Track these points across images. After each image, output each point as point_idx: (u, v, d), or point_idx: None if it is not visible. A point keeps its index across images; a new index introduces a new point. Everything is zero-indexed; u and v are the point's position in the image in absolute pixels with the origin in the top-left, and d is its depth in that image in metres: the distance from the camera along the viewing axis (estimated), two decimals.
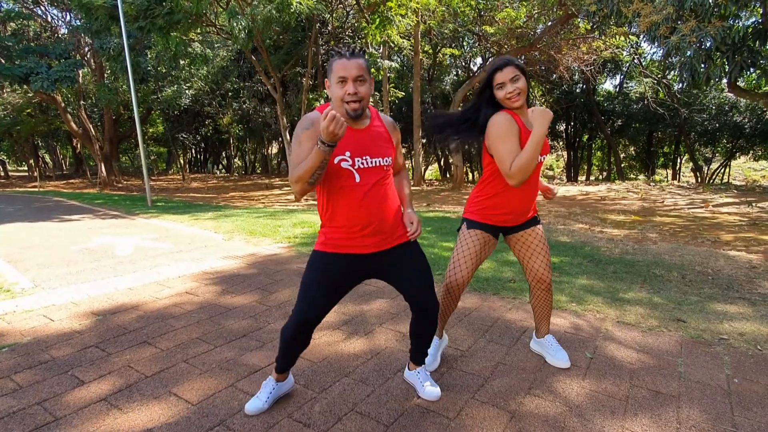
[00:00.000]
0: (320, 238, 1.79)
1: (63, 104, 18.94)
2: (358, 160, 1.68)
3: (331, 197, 1.72)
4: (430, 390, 1.99)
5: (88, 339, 2.67)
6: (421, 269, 1.84)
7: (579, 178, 23.94)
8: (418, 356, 2.06)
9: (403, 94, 17.61)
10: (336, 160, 1.66)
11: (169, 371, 2.27)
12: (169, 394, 2.07)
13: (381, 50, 15.41)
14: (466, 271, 2.10)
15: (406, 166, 1.98)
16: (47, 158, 35.55)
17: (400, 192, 1.97)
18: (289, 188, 16.46)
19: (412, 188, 15.22)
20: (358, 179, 1.69)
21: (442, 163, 24.73)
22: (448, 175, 23.52)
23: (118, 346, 2.57)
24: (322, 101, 14.69)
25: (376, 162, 1.71)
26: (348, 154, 1.67)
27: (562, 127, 24.18)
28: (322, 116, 1.47)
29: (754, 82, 15.31)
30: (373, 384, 2.13)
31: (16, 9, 16.98)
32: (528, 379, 2.17)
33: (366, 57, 1.65)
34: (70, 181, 23.74)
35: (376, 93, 16.95)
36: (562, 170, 27.39)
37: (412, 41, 14.94)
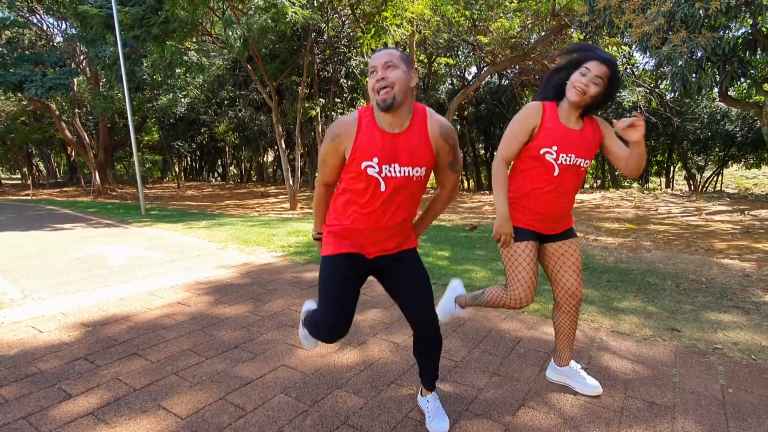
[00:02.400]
0: (326, 238, 1.76)
1: (57, 112, 18.90)
2: (386, 168, 1.57)
3: (349, 200, 1.67)
4: (436, 424, 1.83)
5: (76, 351, 2.63)
6: (421, 287, 1.75)
7: None
8: (426, 379, 1.91)
9: None
10: (363, 166, 1.57)
11: (158, 384, 2.24)
12: (158, 407, 2.03)
13: None
14: (533, 291, 1.95)
15: (457, 188, 1.85)
16: (41, 166, 35.36)
17: (425, 213, 1.91)
18: (284, 196, 16.43)
19: None
20: (383, 188, 1.60)
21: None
22: None
23: (107, 358, 2.53)
24: (318, 110, 14.72)
25: (405, 171, 1.59)
26: (376, 160, 1.56)
27: None
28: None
29: (744, 91, 15.51)
30: (366, 396, 2.10)
31: (12, 17, 16.98)
32: (522, 390, 2.15)
33: (403, 52, 1.57)
34: (64, 189, 23.60)
35: None
36: None
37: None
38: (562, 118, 1.88)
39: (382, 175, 1.58)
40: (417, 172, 1.61)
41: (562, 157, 1.85)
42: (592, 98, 1.81)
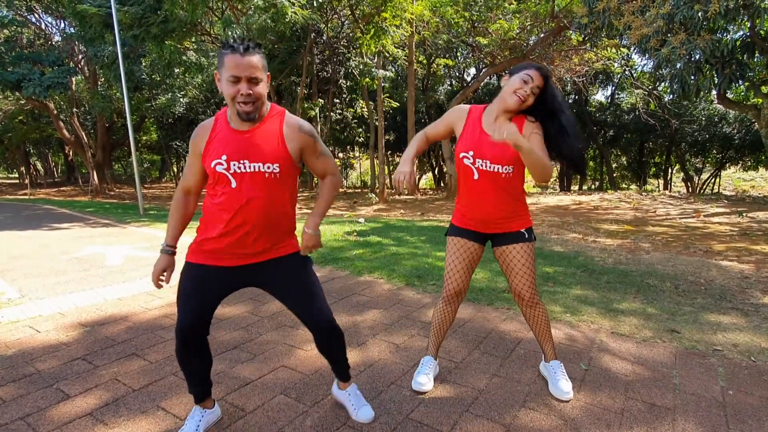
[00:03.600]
0: (191, 245, 1.69)
1: (55, 111, 18.85)
2: (234, 164, 1.54)
3: (207, 204, 1.64)
4: (362, 413, 1.88)
5: (74, 351, 2.62)
6: (300, 282, 1.70)
7: (572, 188, 24.11)
8: (337, 371, 1.93)
9: (398, 104, 17.70)
10: (212, 164, 1.56)
11: (157, 384, 2.22)
12: (157, 408, 2.02)
13: (376, 60, 15.51)
14: (458, 280, 2.07)
15: (337, 171, 1.82)
16: (38, 165, 35.24)
17: (317, 202, 1.82)
18: None
19: (408, 197, 15.23)
20: (234, 185, 1.56)
21: (436, 172, 24.81)
22: (442, 184, 23.58)
23: (105, 359, 2.51)
24: (317, 111, 14.70)
25: (255, 167, 1.55)
26: (224, 157, 1.54)
27: None
28: (154, 269, 1.65)
29: (742, 94, 15.57)
30: (366, 397, 2.09)
31: (10, 16, 16.93)
32: (523, 391, 2.15)
33: (262, 51, 1.53)
34: (62, 188, 23.53)
35: (371, 102, 17.03)
36: (555, 179, 27.55)
37: (407, 51, 15.04)
38: (485, 124, 1.94)
39: (231, 171, 1.56)
40: (269, 168, 1.58)
41: (479, 162, 1.92)
42: (524, 107, 1.88)
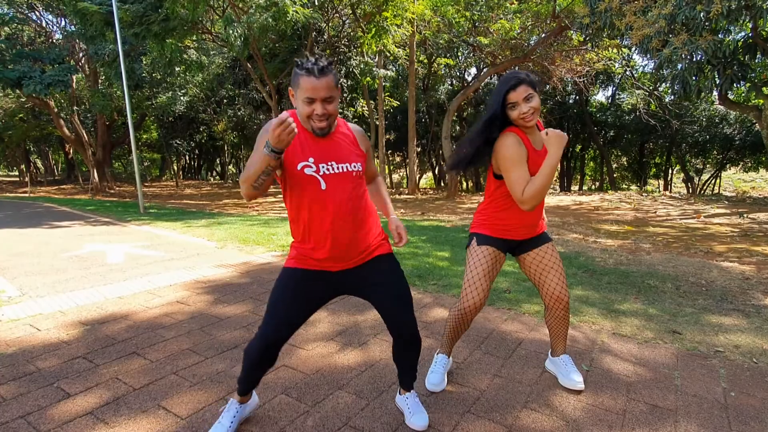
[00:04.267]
0: (291, 252, 1.72)
1: (56, 109, 18.83)
2: (323, 166, 1.59)
3: (301, 210, 1.63)
4: (417, 419, 1.85)
5: (75, 350, 2.61)
6: (396, 288, 1.73)
7: (572, 188, 24.11)
8: (405, 380, 1.93)
9: (398, 103, 17.70)
10: (299, 167, 1.57)
11: (158, 384, 2.22)
12: (157, 407, 2.01)
13: (376, 59, 15.50)
14: (482, 293, 1.99)
15: (381, 174, 1.90)
16: (39, 163, 35.24)
17: (380, 199, 1.91)
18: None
19: (408, 197, 15.23)
20: (324, 186, 1.59)
21: (436, 171, 24.81)
22: (442, 184, 23.58)
23: (106, 357, 2.51)
24: None
25: (343, 168, 1.61)
26: (312, 160, 1.58)
27: None
28: (275, 120, 1.39)
29: (743, 94, 15.56)
30: (368, 397, 2.09)
31: (11, 13, 16.92)
32: (524, 392, 2.14)
33: (334, 70, 1.57)
34: (62, 186, 23.53)
35: (372, 102, 17.02)
36: (556, 180, 27.58)
37: (408, 51, 15.05)
38: (534, 142, 1.92)
39: (321, 173, 1.59)
40: (354, 167, 1.64)
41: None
42: (539, 109, 1.85)
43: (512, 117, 1.84)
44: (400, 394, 1.98)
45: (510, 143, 1.83)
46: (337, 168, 1.60)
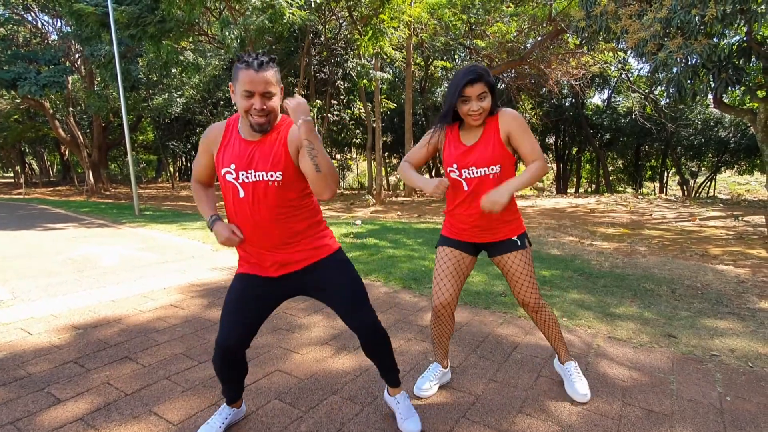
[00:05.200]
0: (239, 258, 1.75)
1: (51, 111, 18.74)
2: (243, 174, 1.57)
3: (230, 215, 1.64)
4: (409, 424, 1.83)
5: (66, 354, 2.58)
6: (344, 289, 1.70)
7: (568, 191, 24.18)
8: (386, 377, 1.91)
9: (395, 105, 17.71)
10: (222, 172, 1.60)
11: (150, 389, 2.19)
12: (149, 413, 1.99)
13: (373, 61, 15.51)
14: (446, 292, 2.00)
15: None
16: (34, 165, 35.04)
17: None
18: None
19: (405, 199, 15.22)
20: (242, 194, 1.57)
21: (433, 173, 24.82)
22: None
23: (97, 362, 2.48)
24: (314, 112, 14.68)
25: (259, 176, 1.55)
26: (233, 166, 1.58)
27: (551, 140, 24.47)
28: (227, 232, 1.61)
29: (738, 98, 15.66)
30: (362, 402, 2.07)
31: (6, 14, 16.84)
32: (520, 396, 2.13)
33: (276, 67, 1.55)
34: (57, 188, 23.39)
35: (369, 104, 17.02)
36: (552, 182, 27.64)
37: (405, 53, 15.06)
38: (465, 139, 1.93)
39: (239, 181, 1.58)
40: (271, 176, 1.56)
41: (465, 172, 1.92)
42: (488, 111, 1.84)
43: (461, 111, 1.84)
44: (388, 393, 1.97)
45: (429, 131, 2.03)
46: (255, 176, 1.57)
